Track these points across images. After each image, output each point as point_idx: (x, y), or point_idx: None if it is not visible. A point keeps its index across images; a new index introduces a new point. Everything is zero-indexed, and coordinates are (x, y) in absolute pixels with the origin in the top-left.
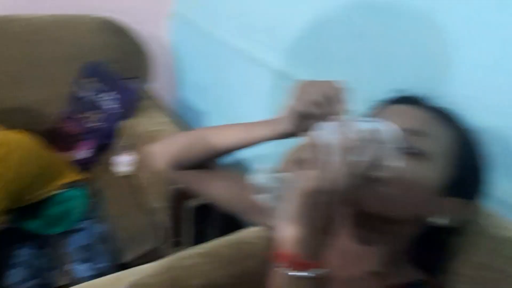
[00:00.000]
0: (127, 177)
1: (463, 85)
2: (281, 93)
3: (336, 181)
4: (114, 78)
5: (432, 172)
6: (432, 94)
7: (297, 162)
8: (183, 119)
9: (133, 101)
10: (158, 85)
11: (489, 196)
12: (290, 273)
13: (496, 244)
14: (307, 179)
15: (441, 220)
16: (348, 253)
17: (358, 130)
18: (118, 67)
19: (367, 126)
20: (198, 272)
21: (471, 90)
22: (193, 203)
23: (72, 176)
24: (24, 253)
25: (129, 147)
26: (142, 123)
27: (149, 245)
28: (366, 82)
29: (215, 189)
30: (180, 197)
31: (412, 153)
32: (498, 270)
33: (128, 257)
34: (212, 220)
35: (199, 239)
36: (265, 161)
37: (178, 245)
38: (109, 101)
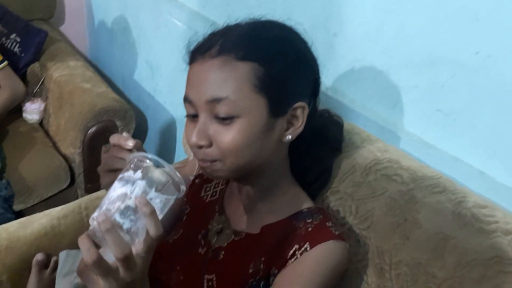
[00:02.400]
0: (37, 124)
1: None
2: (195, 36)
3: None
4: (17, 20)
5: (252, 121)
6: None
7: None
8: (94, 63)
9: (38, 44)
10: (67, 28)
11: (370, 123)
12: None
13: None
14: None
15: (292, 134)
16: (250, 211)
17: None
18: (21, 8)
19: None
20: None
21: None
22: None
23: None
24: None
25: (38, 94)
26: (51, 68)
27: (56, 189)
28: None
29: None
30: (96, 142)
31: (224, 120)
32: (370, 187)
33: (28, 203)
34: None
35: None
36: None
37: (92, 190)
38: (11, 44)
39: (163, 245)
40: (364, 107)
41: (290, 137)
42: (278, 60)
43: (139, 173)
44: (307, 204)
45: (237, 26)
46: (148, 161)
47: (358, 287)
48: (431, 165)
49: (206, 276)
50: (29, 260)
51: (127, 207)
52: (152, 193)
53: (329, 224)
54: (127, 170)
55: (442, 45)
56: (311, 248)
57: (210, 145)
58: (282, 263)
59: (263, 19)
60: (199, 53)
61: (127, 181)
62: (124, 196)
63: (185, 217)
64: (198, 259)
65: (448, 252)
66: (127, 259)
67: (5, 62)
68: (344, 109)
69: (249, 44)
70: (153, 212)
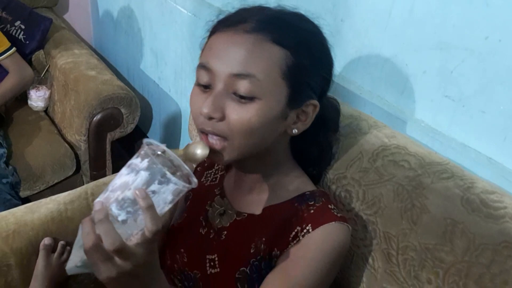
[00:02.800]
0: (42, 111)
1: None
2: (201, 24)
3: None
4: (22, 7)
5: (270, 106)
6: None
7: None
8: (99, 52)
9: (43, 32)
10: (72, 16)
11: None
12: None
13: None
14: (100, 272)
15: (298, 128)
16: (249, 194)
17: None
18: None
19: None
20: None
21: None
22: (114, 135)
23: None
24: None
25: (43, 81)
26: (55, 55)
27: (62, 176)
28: None
29: None
30: (101, 129)
31: (242, 99)
32: (377, 173)
33: (34, 189)
34: (134, 152)
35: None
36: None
37: (98, 177)
38: (16, 32)
39: (170, 230)
40: (372, 93)
41: (296, 131)
42: (306, 53)
43: (145, 163)
44: (309, 187)
45: (270, 9)
46: (158, 152)
47: (365, 272)
48: (439, 152)
49: (208, 256)
50: (36, 245)
51: (125, 198)
52: (155, 186)
53: (331, 206)
54: (136, 156)
55: (451, 31)
56: (313, 229)
57: (222, 119)
58: (284, 245)
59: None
60: (229, 24)
61: (132, 170)
62: (125, 186)
63: (188, 203)
64: (200, 240)
65: (456, 237)
66: (119, 251)
67: (13, 49)
68: (351, 96)
69: (285, 30)
70: (150, 207)
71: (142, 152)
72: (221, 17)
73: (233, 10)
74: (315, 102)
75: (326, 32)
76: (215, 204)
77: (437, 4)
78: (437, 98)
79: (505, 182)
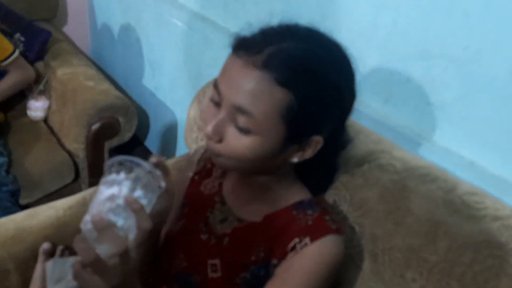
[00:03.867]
0: (41, 121)
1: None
2: (196, 36)
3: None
4: (21, 19)
5: (266, 143)
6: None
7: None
8: (97, 63)
9: (42, 43)
10: (70, 28)
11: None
12: None
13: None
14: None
15: (299, 158)
16: (248, 199)
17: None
18: (24, 9)
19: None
20: None
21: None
22: (112, 143)
23: None
24: None
25: (42, 92)
26: (54, 66)
27: (61, 183)
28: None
29: None
30: (99, 138)
31: (241, 130)
32: (364, 177)
33: (33, 197)
34: None
35: None
36: None
37: (95, 185)
38: (15, 43)
39: (166, 236)
40: (358, 101)
41: (296, 160)
42: (313, 101)
43: (122, 174)
44: (308, 195)
45: (293, 36)
46: (128, 163)
47: (352, 272)
48: (423, 156)
49: (209, 261)
50: (35, 250)
51: (118, 206)
52: (138, 192)
53: (326, 218)
54: (110, 173)
55: (433, 40)
56: (311, 242)
57: (220, 141)
58: (282, 254)
59: (321, 31)
60: (246, 49)
61: (113, 183)
62: (113, 197)
63: (186, 210)
64: (201, 245)
65: (439, 237)
66: (125, 254)
67: (17, 51)
68: None
69: (294, 72)
70: (141, 208)
71: (114, 169)
72: (244, 34)
73: (255, 30)
74: (319, 138)
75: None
76: (216, 211)
77: (419, 15)
78: (420, 105)
79: (487, 185)
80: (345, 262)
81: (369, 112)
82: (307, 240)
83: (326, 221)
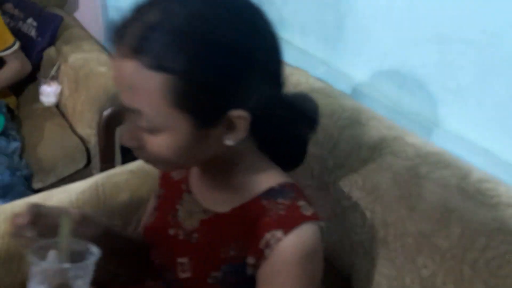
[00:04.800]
0: (53, 106)
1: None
2: None
3: None
4: (33, 5)
5: (176, 137)
6: None
7: None
8: (109, 49)
9: (54, 29)
10: (82, 14)
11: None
12: None
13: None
14: None
15: (233, 139)
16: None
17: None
18: None
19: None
20: (126, 187)
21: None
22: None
23: None
24: None
25: (55, 77)
26: (66, 52)
27: (73, 169)
28: None
29: None
30: (110, 124)
31: (148, 131)
32: (376, 162)
33: (46, 182)
34: None
35: (128, 162)
36: None
37: (106, 170)
38: (27, 28)
39: (144, 231)
40: (372, 87)
41: (230, 142)
42: (204, 73)
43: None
44: (278, 179)
45: (155, 11)
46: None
47: (363, 259)
48: (437, 143)
49: (178, 259)
50: None
51: None
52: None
53: (300, 203)
54: (37, 259)
55: (450, 24)
56: (285, 234)
57: (142, 147)
58: (257, 252)
59: None
60: (114, 39)
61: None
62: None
63: (160, 200)
64: (169, 241)
65: (452, 224)
66: None
67: (17, 44)
68: (351, 89)
69: (166, 48)
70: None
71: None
72: (116, 20)
73: (129, 9)
74: (239, 113)
75: (328, 26)
76: (184, 202)
77: None
78: (436, 90)
79: (501, 172)
80: (357, 248)
81: (383, 98)
82: (279, 233)
83: (299, 208)
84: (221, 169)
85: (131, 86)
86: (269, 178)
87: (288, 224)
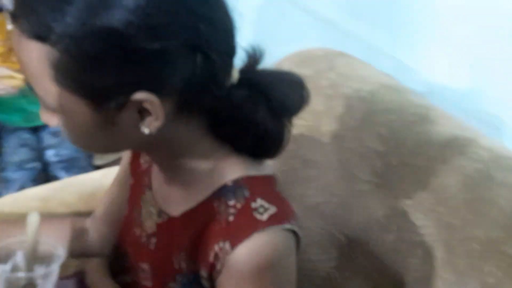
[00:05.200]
0: None
1: None
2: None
3: None
4: None
5: (71, 120)
6: None
7: None
8: None
9: None
10: None
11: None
12: None
13: None
14: None
15: (151, 127)
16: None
17: None
18: None
19: None
20: None
21: None
22: None
23: None
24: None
25: None
26: None
27: None
28: None
29: None
30: None
31: (50, 111)
32: (445, 163)
33: (107, 159)
34: None
35: None
36: None
37: None
38: None
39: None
40: (442, 84)
41: (147, 130)
42: (86, 42)
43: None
44: (235, 173)
45: None
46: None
47: (422, 261)
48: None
49: (140, 264)
50: None
51: None
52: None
53: (255, 204)
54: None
55: None
56: (232, 248)
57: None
58: (208, 265)
59: None
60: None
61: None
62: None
63: (130, 191)
64: (134, 242)
65: None
66: None
67: None
68: (420, 85)
69: (44, 13)
70: None
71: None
72: None
73: None
74: (143, 96)
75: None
76: (145, 199)
77: None
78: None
79: None
80: (416, 249)
81: (453, 95)
82: (227, 246)
83: (252, 212)
84: (170, 160)
85: (18, 59)
86: (224, 172)
87: (237, 234)
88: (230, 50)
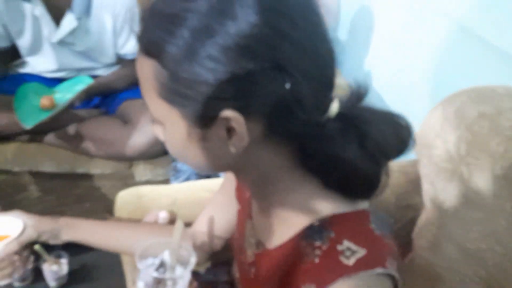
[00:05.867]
0: None
1: None
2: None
3: None
4: None
5: (170, 132)
6: None
7: None
8: None
9: None
10: None
11: None
12: None
13: None
14: None
15: (236, 146)
16: (271, 225)
17: None
18: None
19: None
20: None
21: None
22: None
23: None
24: None
25: None
26: None
27: None
28: None
29: None
30: None
31: (156, 122)
32: None
33: None
34: None
35: None
36: None
37: None
38: None
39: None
40: None
41: (233, 149)
42: (188, 59)
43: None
44: (322, 211)
45: None
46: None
47: None
48: None
49: None
50: None
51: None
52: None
53: (341, 247)
54: (146, 257)
55: None
56: None
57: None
58: None
59: None
60: None
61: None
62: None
63: (238, 216)
64: (241, 268)
65: None
66: None
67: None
68: None
69: (155, 33)
70: None
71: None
72: None
73: None
74: (228, 113)
75: None
76: (247, 228)
77: None
78: None
79: None
80: None
81: None
82: None
83: (338, 255)
84: (260, 188)
85: (137, 73)
86: (312, 209)
87: (322, 278)
88: (324, 79)
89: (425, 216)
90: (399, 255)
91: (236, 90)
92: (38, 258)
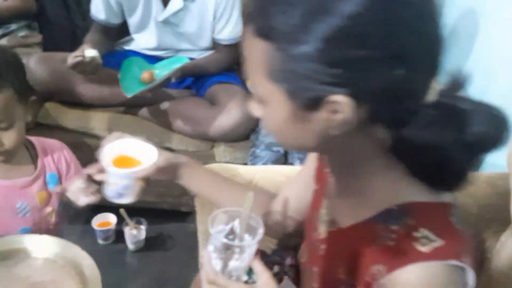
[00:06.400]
0: None
1: None
2: None
3: None
4: None
5: (274, 113)
6: None
7: None
8: None
9: None
10: None
11: None
12: None
13: None
14: None
15: (338, 129)
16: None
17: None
18: None
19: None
20: None
21: None
22: None
23: None
24: None
25: None
26: None
27: None
28: None
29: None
30: None
31: (259, 101)
32: None
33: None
34: None
35: None
36: None
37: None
38: None
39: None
40: None
41: (336, 132)
42: (302, 40)
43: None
44: (403, 197)
45: None
46: (230, 212)
47: None
48: None
49: (313, 268)
50: None
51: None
52: (246, 237)
53: (418, 234)
54: (218, 223)
55: None
56: (387, 273)
57: (261, 117)
58: (365, 283)
59: None
60: None
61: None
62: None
63: (313, 196)
64: (310, 244)
65: None
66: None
67: None
68: None
69: (272, 12)
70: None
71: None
72: None
73: None
74: (339, 98)
75: None
76: (323, 205)
77: None
78: None
79: None
80: None
81: None
82: (383, 270)
83: (414, 241)
84: (347, 169)
85: (244, 53)
86: (393, 194)
87: (393, 261)
88: (433, 67)
89: None
90: (476, 262)
91: (348, 75)
92: (121, 221)
